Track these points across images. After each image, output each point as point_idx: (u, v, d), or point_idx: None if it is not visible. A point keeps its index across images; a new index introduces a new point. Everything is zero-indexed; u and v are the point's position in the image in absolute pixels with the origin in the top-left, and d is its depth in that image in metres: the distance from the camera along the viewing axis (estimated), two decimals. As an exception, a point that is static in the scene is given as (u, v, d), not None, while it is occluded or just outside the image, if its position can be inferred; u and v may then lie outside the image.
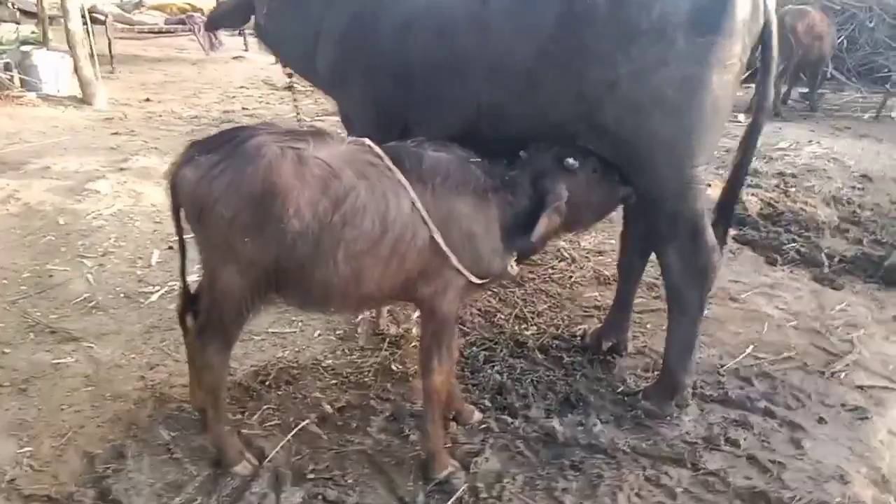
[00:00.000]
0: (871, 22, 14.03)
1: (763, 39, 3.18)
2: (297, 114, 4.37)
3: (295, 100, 4.36)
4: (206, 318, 2.87)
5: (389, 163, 2.79)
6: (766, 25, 3.14)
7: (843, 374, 4.08)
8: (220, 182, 2.57)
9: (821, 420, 3.66)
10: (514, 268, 3.18)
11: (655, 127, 3.08)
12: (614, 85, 3.04)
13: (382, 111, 3.69)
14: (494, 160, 3.14)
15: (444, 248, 2.83)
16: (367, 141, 2.90)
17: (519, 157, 3.26)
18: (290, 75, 4.25)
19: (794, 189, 7.45)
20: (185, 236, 2.93)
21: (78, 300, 4.47)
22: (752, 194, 7.03)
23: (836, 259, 5.68)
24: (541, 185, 3.12)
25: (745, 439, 3.45)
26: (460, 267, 2.88)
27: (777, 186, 7.53)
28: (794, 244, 5.90)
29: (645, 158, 3.20)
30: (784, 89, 11.76)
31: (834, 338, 4.48)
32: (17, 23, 14.16)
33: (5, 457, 3.14)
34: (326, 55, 3.82)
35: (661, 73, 2.96)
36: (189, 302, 3.04)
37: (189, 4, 13.99)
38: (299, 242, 2.62)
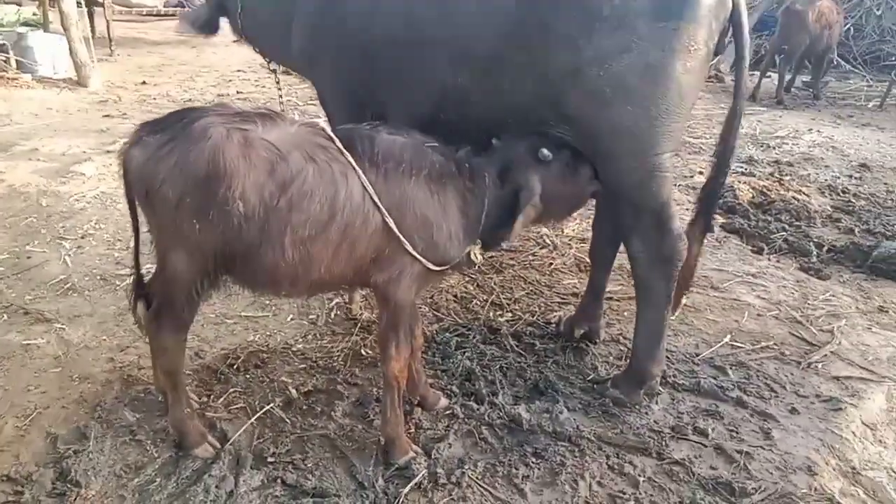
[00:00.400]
0: (878, 9, 13.83)
1: (733, 24, 3.09)
2: (280, 97, 4.35)
3: (278, 83, 4.32)
4: (159, 301, 2.85)
5: (340, 145, 2.74)
6: (735, 8, 3.06)
7: (820, 365, 4.03)
8: (166, 163, 2.52)
9: (793, 410, 3.62)
10: (477, 256, 3.13)
11: (619, 115, 3.02)
12: (578, 71, 2.99)
13: (351, 91, 3.67)
14: (455, 145, 3.09)
15: (397, 233, 2.78)
16: (320, 123, 2.85)
17: (491, 145, 3.22)
18: (271, 64, 4.22)
19: (788, 177, 7.37)
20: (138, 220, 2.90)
21: (54, 282, 4.47)
22: (745, 182, 6.96)
23: (825, 248, 5.62)
24: (513, 177, 3.08)
25: (713, 429, 3.42)
26: (414, 253, 2.83)
27: (771, 174, 7.46)
28: (782, 233, 5.84)
29: (609, 147, 3.15)
30: (788, 77, 11.61)
31: (814, 328, 4.42)
32: (19, 4, 14.15)
33: (-32, 437, 3.14)
34: (298, 37, 3.79)
35: (624, 59, 2.90)
36: (142, 287, 3.01)
37: (189, -13, 13.97)
38: (245, 226, 2.57)
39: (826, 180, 7.42)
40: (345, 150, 2.74)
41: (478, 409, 3.45)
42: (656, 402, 3.60)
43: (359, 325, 4.13)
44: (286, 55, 4.13)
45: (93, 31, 12.39)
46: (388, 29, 3.34)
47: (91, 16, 12.45)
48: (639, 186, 3.20)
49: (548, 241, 5.41)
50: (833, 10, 11.06)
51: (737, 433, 3.43)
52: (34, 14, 13.14)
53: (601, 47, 2.93)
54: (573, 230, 5.65)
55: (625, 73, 2.94)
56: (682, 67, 2.93)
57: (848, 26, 12.23)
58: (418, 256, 2.86)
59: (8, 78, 9.44)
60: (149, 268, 3.06)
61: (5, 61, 9.75)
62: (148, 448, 3.13)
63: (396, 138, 2.93)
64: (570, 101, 3.08)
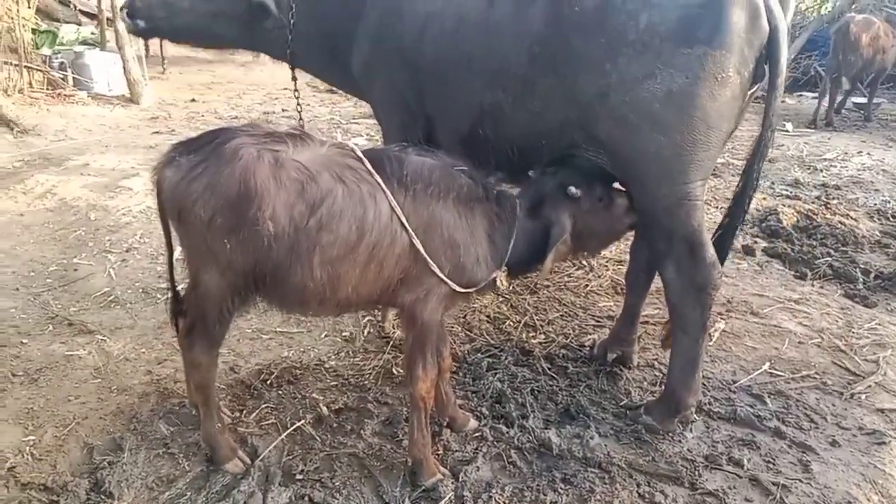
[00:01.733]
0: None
1: (769, 49, 2.99)
2: (300, 113, 4.45)
3: (298, 102, 4.42)
4: (191, 318, 2.91)
5: (369, 166, 2.77)
6: (773, 34, 2.95)
7: (863, 396, 3.90)
8: (198, 183, 2.58)
9: (834, 443, 3.51)
10: (503, 282, 3.11)
11: (645, 141, 3.00)
12: (605, 95, 2.99)
13: (404, 106, 3.77)
14: (485, 170, 3.12)
15: (424, 254, 2.80)
16: (350, 144, 2.90)
17: (528, 177, 3.24)
18: (294, 79, 4.31)
19: (835, 201, 7.18)
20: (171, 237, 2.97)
21: (98, 294, 4.61)
22: (789, 206, 6.80)
23: (873, 275, 5.45)
24: (544, 212, 3.09)
25: (749, 460, 3.33)
26: (441, 274, 2.84)
27: (818, 198, 7.28)
28: (827, 258, 5.69)
29: (637, 172, 3.13)
30: (839, 98, 11.34)
31: (858, 357, 4.29)
32: (79, 24, 14.69)
33: (10, 444, 3.23)
34: (359, 56, 3.91)
35: (648, 85, 2.89)
36: (179, 302, 3.08)
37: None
38: (275, 245, 2.62)
39: (875, 204, 7.21)
40: (374, 171, 2.78)
41: (507, 433, 3.42)
42: (690, 430, 3.53)
43: (391, 343, 4.15)
44: (337, 74, 4.26)
45: (147, 49, 12.79)
46: (436, 47, 3.43)
47: (145, 35, 12.89)
48: (669, 213, 3.17)
49: (584, 262, 5.36)
50: (890, 33, 10.76)
51: (774, 465, 3.33)
52: (92, 33, 13.64)
53: (626, 72, 2.93)
54: (610, 252, 5.59)
55: (649, 100, 2.92)
56: (708, 95, 2.89)
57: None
58: (444, 278, 2.87)
59: (65, 95, 9.81)
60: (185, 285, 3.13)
61: (63, 79, 10.13)
62: (180, 461, 3.19)
63: (425, 160, 2.95)
64: (598, 124, 3.09)
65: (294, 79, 4.29)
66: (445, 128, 3.66)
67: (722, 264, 3.36)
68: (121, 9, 4.16)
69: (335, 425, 3.45)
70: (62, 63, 10.42)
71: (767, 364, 4.15)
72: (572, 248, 3.22)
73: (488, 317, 4.53)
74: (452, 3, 3.40)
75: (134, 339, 4.13)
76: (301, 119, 4.41)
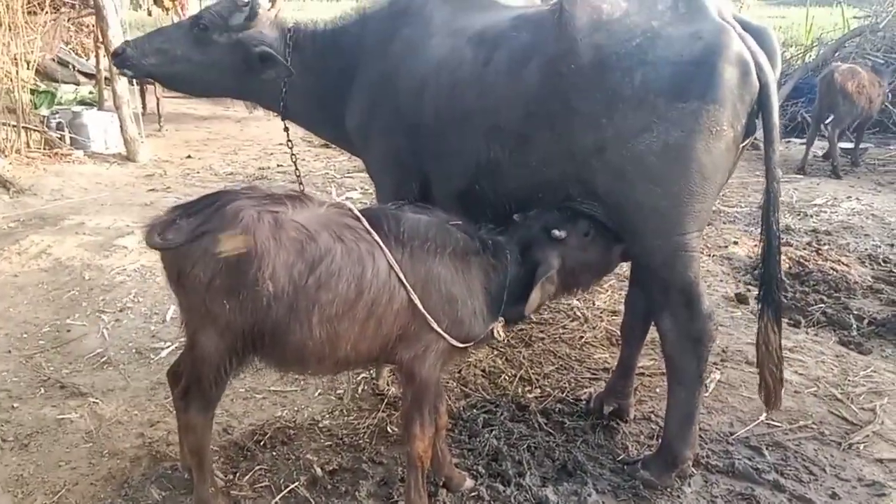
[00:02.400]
0: (916, 75, 13.70)
1: (761, 104, 3.06)
2: (296, 167, 4.52)
3: (293, 157, 4.50)
4: (187, 379, 2.91)
5: (367, 225, 2.82)
6: (764, 89, 3.03)
7: (861, 446, 3.87)
8: (197, 245, 2.62)
9: (833, 495, 3.47)
10: (500, 332, 3.15)
11: (641, 194, 3.06)
12: (602, 150, 3.05)
13: (400, 163, 3.84)
14: (477, 222, 3.17)
15: (423, 310, 2.82)
16: (348, 204, 2.95)
17: (513, 220, 3.29)
18: (286, 129, 4.39)
19: (826, 247, 7.22)
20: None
21: (91, 355, 4.59)
22: (782, 252, 6.80)
23: (866, 321, 5.45)
24: (532, 253, 3.13)
25: (749, 515, 3.29)
26: (440, 330, 2.86)
27: (809, 244, 7.31)
28: (821, 305, 5.70)
29: (634, 224, 3.18)
30: (831, 144, 11.38)
31: (855, 406, 4.26)
32: (77, 83, 14.91)
33: (-1, 513, 3.19)
34: (354, 113, 4.00)
35: (645, 139, 2.95)
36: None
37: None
38: (274, 305, 2.65)
39: (866, 249, 7.25)
40: (371, 230, 2.83)
41: (504, 491, 3.38)
42: (689, 485, 3.49)
43: (385, 400, 4.12)
44: (330, 129, 4.36)
45: (144, 107, 13.00)
46: (434, 105, 3.51)
47: (143, 93, 13.08)
48: (665, 265, 3.20)
49: (578, 313, 5.37)
50: (874, 82, 10.93)
51: (774, 520, 3.29)
52: (90, 93, 13.84)
53: (622, 126, 2.99)
54: (604, 302, 5.61)
55: (645, 153, 2.98)
56: (703, 148, 2.95)
57: (888, 91, 12.04)
58: (443, 333, 2.89)
59: (62, 154, 9.90)
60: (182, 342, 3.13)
61: (60, 138, 10.24)
62: (172, 527, 3.14)
63: (421, 217, 3.02)
64: (595, 178, 3.14)
65: (286, 129, 4.34)
66: (443, 184, 3.72)
67: (779, 318, 3.32)
68: (112, 56, 4.26)
69: (329, 487, 3.41)
70: (60, 123, 10.54)
71: (764, 415, 4.12)
72: (565, 285, 3.28)
73: (483, 371, 4.51)
74: (449, 63, 3.50)
75: (126, 401, 4.10)
76: (298, 172, 4.47)
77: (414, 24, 3.78)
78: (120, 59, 4.16)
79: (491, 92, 3.32)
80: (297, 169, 4.48)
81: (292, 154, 4.45)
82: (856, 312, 5.59)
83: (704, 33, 2.93)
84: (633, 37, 2.98)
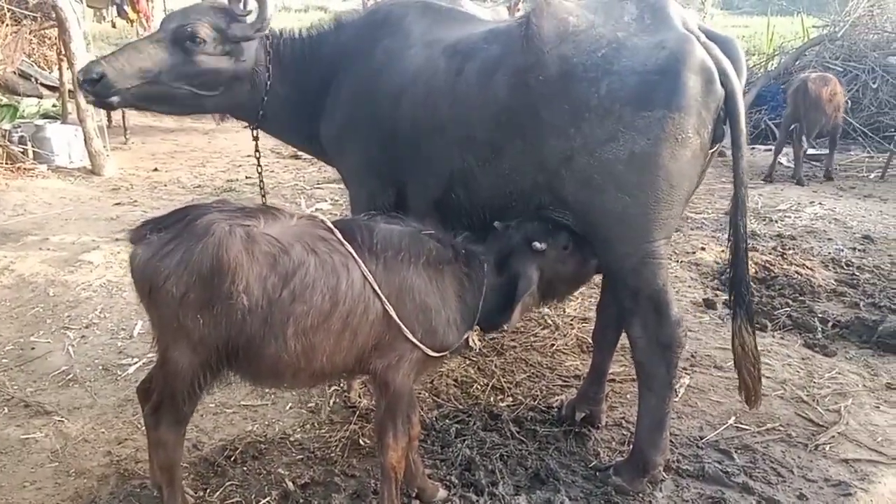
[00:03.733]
0: (874, 83, 14.07)
1: (728, 111, 3.11)
2: (261, 182, 4.46)
3: (259, 167, 4.43)
4: (159, 395, 2.87)
5: (340, 237, 2.82)
6: (729, 96, 3.08)
7: (827, 447, 3.94)
8: (169, 260, 2.60)
9: (801, 496, 3.53)
10: (475, 341, 3.17)
11: (609, 202, 3.10)
12: (570, 159, 3.10)
13: (376, 172, 3.84)
14: (453, 231, 3.20)
15: (397, 320, 2.83)
16: (320, 216, 2.94)
17: (493, 228, 3.31)
18: (255, 139, 4.30)
19: (791, 251, 7.36)
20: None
21: (56, 373, 4.50)
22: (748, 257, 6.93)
23: (830, 324, 5.56)
24: (510, 266, 3.16)
25: (719, 518, 3.33)
26: (414, 339, 2.87)
27: (774, 249, 7.45)
28: (786, 309, 5.80)
29: (603, 232, 3.22)
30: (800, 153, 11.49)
31: (821, 408, 4.34)
32: (40, 97, 14.67)
33: (-40, 537, 3.11)
34: (329, 123, 3.98)
35: (612, 148, 3.00)
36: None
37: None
38: (249, 319, 2.63)
39: (829, 253, 7.40)
40: (345, 241, 2.83)
41: (477, 501, 3.38)
42: (660, 490, 3.52)
43: (357, 413, 4.09)
44: (305, 138, 4.29)
45: (109, 120, 12.80)
46: (411, 115, 3.53)
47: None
48: (634, 272, 3.24)
49: (549, 321, 5.40)
50: (842, 90, 11.09)
51: (744, 522, 3.34)
52: (53, 106, 13.62)
53: (590, 136, 3.04)
54: (574, 310, 5.65)
55: (613, 161, 3.03)
56: (670, 156, 3.00)
57: (846, 99, 12.30)
58: (418, 343, 2.90)
59: (25, 169, 9.71)
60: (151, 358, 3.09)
61: (23, 153, 10.04)
62: (141, 546, 3.08)
63: (394, 227, 3.03)
64: (564, 187, 3.18)
65: (256, 138, 4.25)
66: (419, 192, 3.73)
67: (752, 319, 3.38)
68: (81, 83, 3.69)
69: (301, 501, 3.38)
70: (22, 136, 10.33)
71: (733, 418, 4.18)
72: (543, 297, 3.33)
73: (455, 381, 4.51)
74: (424, 74, 3.53)
75: (93, 419, 4.02)
76: (262, 184, 4.41)
77: (393, 34, 3.79)
78: (101, 86, 3.64)
79: (463, 102, 3.36)
80: (261, 181, 4.42)
81: (259, 165, 4.39)
82: (820, 315, 5.70)
83: (668, 43, 2.99)
84: (599, 48, 3.03)
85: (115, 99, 3.73)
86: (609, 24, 3.10)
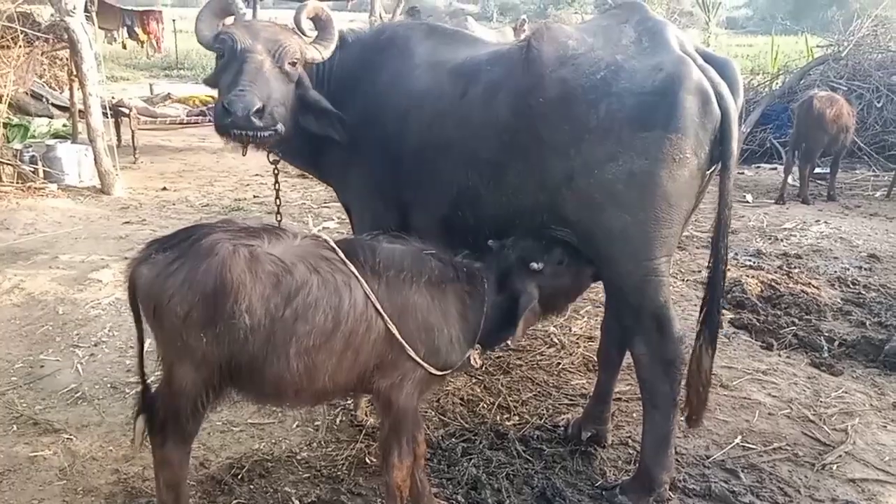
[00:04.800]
0: (879, 102, 14.12)
1: (721, 133, 3.15)
2: (277, 200, 4.44)
3: (276, 184, 4.40)
4: (164, 413, 2.89)
5: (343, 256, 2.85)
6: (724, 118, 3.12)
7: (834, 467, 3.93)
8: (174, 280, 2.64)
9: (808, 516, 3.52)
10: (476, 360, 3.19)
11: (610, 220, 3.14)
12: (570, 179, 3.15)
13: (381, 193, 3.88)
14: (456, 250, 3.23)
15: (400, 339, 2.85)
16: (323, 235, 2.99)
17: (488, 247, 3.35)
18: (275, 162, 4.31)
19: (797, 270, 7.36)
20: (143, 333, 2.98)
21: (65, 391, 4.52)
22: (753, 276, 6.95)
23: (837, 343, 5.55)
24: (510, 284, 3.19)
25: (726, 537, 3.33)
26: (417, 358, 2.90)
27: (780, 268, 7.45)
28: (792, 328, 5.80)
29: (604, 251, 3.26)
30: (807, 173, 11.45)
31: (827, 427, 4.34)
32: (51, 117, 14.83)
33: (-31, 555, 3.13)
34: (333, 145, 3.91)
35: (611, 168, 3.05)
36: (146, 399, 3.06)
37: (211, 97, 14.58)
38: (251, 338, 2.66)
39: (835, 272, 7.40)
40: (347, 261, 2.86)
41: (483, 520, 3.39)
42: (666, 509, 3.52)
43: (364, 431, 4.11)
44: (306, 158, 4.28)
45: (119, 140, 12.92)
46: (418, 136, 3.59)
47: (118, 125, 13.02)
48: (636, 290, 3.27)
49: (555, 340, 5.41)
50: (851, 112, 11.04)
51: (751, 542, 3.33)
52: (64, 125, 13.77)
53: (589, 156, 3.09)
54: (581, 328, 5.66)
55: (612, 181, 3.08)
56: (668, 175, 3.04)
57: (854, 120, 12.28)
58: (421, 361, 2.92)
59: (35, 188, 9.81)
60: (157, 376, 3.11)
61: (34, 172, 10.15)
62: (147, 565, 3.09)
63: (396, 246, 3.07)
64: (566, 206, 3.23)
65: (276, 162, 4.23)
66: (425, 212, 3.77)
67: (714, 340, 3.41)
68: (241, 116, 3.30)
69: (308, 520, 3.39)
70: (33, 156, 10.45)
71: (739, 437, 4.18)
72: (544, 310, 3.35)
73: (462, 399, 4.52)
74: (430, 96, 3.59)
75: (101, 437, 4.04)
76: (279, 202, 4.41)
77: (398, 56, 3.83)
78: (268, 116, 3.40)
79: (468, 123, 3.41)
80: (278, 201, 4.43)
81: (276, 184, 4.38)
82: (826, 334, 5.69)
83: (666, 65, 3.04)
84: (598, 70, 3.09)
85: (271, 136, 3.51)
86: (608, 47, 3.17)
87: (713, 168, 3.28)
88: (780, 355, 5.38)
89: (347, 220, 8.07)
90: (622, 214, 3.10)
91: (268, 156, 4.21)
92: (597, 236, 3.22)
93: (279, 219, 4.35)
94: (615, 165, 3.04)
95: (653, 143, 2.99)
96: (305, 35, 3.78)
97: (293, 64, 3.58)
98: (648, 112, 2.99)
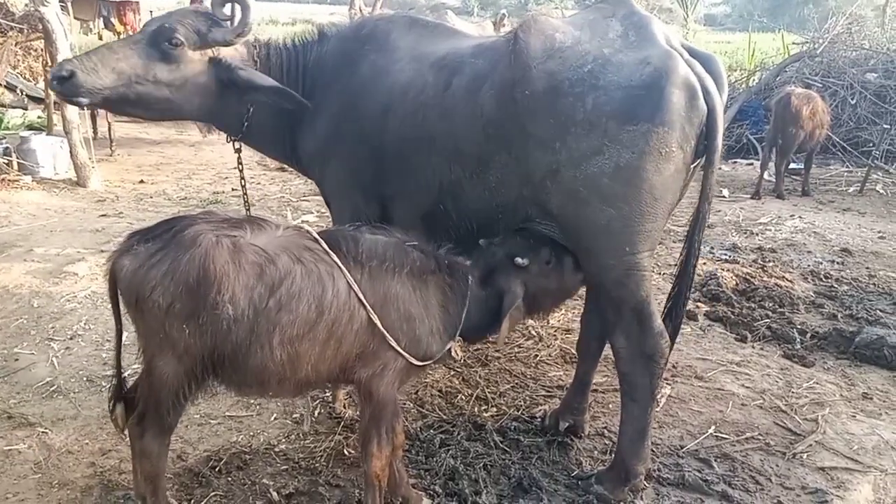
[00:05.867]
0: (853, 99, 14.33)
1: (707, 128, 3.17)
2: (245, 194, 4.40)
3: (242, 179, 4.36)
4: (144, 405, 2.89)
5: (325, 247, 2.87)
6: (710, 113, 3.15)
7: (805, 455, 4.02)
8: (156, 271, 2.64)
9: (779, 503, 3.59)
10: (457, 352, 3.21)
11: (594, 214, 3.15)
12: (556, 171, 3.15)
13: (361, 187, 3.87)
14: (438, 243, 3.25)
15: (382, 329, 2.88)
16: (305, 226, 2.99)
17: (478, 246, 3.37)
18: (238, 151, 4.25)
19: (771, 264, 7.48)
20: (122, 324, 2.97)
21: (40, 384, 4.49)
22: (728, 270, 7.05)
23: (809, 335, 5.66)
24: (495, 280, 3.22)
25: (699, 525, 3.39)
26: (398, 348, 2.92)
27: (755, 261, 7.57)
28: (766, 320, 5.89)
29: (587, 244, 3.28)
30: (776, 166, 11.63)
31: (799, 417, 4.42)
32: (25, 108, 14.61)
33: (-58, 549, 3.10)
34: (313, 136, 3.97)
35: (597, 161, 3.06)
36: (121, 390, 3.05)
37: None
38: (234, 328, 2.67)
39: (809, 266, 7.53)
40: (330, 251, 2.87)
41: (461, 510, 3.42)
42: (641, 498, 3.58)
43: (342, 423, 4.12)
44: (286, 151, 4.25)
45: (95, 132, 12.75)
46: (399, 127, 3.58)
47: (94, 117, 12.85)
48: (618, 283, 3.30)
49: (533, 332, 5.45)
50: (825, 109, 11.20)
51: (723, 529, 3.39)
52: (39, 117, 13.57)
53: (575, 149, 3.10)
54: (558, 321, 5.71)
55: (598, 174, 3.09)
56: (654, 169, 3.06)
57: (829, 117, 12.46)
58: (402, 351, 2.95)
59: (9, 180, 9.67)
60: (135, 369, 3.10)
61: (8, 164, 10.00)
62: (124, 557, 3.09)
63: (379, 237, 3.09)
64: (550, 199, 3.24)
65: (238, 150, 4.20)
66: (407, 205, 3.77)
67: (676, 333, 3.49)
68: (50, 80, 3.61)
69: (286, 511, 3.40)
70: (7, 148, 10.29)
71: (713, 427, 4.25)
72: (528, 310, 3.39)
73: (440, 391, 4.55)
74: (413, 89, 3.58)
75: (77, 430, 4.02)
76: (246, 196, 4.37)
77: (380, 49, 3.83)
78: (70, 84, 3.54)
79: (451, 116, 3.41)
80: (245, 193, 4.39)
81: (242, 178, 4.35)
82: (799, 327, 5.80)
83: (653, 59, 3.06)
84: (585, 63, 3.10)
85: (83, 99, 3.63)
86: (595, 41, 3.17)
87: (697, 162, 3.31)
88: (753, 347, 5.47)
89: (328, 214, 8.07)
90: (607, 208, 3.12)
91: (233, 144, 4.18)
92: (580, 230, 3.24)
93: (248, 208, 4.32)
94: (601, 159, 3.05)
95: (639, 136, 3.00)
96: (218, 19, 3.79)
97: (172, 43, 3.67)
98: (635, 105, 3.00)
